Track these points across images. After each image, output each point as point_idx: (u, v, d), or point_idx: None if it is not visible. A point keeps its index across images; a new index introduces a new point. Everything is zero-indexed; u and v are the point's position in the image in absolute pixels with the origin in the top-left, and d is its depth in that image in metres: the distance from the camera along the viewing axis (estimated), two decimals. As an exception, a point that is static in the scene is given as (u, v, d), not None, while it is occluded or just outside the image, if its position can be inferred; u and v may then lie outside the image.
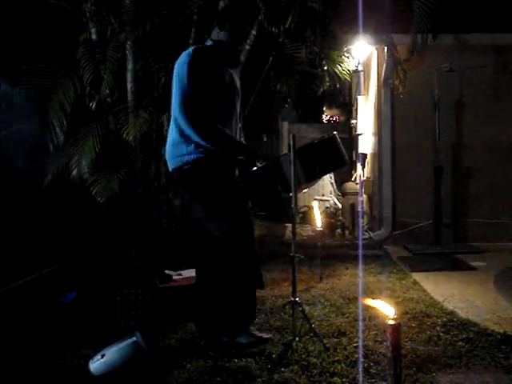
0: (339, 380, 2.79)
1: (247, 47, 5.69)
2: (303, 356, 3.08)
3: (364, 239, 7.28)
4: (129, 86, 5.34)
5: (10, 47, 5.18)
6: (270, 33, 5.79)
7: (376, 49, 7.29)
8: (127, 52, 5.30)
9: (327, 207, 9.13)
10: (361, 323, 3.58)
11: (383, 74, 7.12)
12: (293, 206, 3.30)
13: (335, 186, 9.98)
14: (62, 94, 5.11)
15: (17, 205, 5.07)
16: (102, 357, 2.89)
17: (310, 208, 8.90)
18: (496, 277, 5.03)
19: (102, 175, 5.03)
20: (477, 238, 6.82)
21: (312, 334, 3.32)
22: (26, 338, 3.49)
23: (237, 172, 3.39)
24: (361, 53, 7.51)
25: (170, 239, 5.44)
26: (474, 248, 6.50)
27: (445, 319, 3.72)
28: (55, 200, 5.21)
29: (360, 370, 2.87)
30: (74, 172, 5.04)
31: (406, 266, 5.59)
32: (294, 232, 3.39)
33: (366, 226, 7.84)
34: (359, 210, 7.61)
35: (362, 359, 3.00)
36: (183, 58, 3.16)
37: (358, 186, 8.12)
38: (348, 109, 11.60)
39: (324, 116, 14.75)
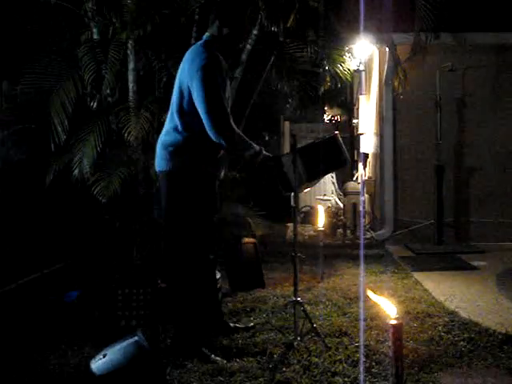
0: (341, 380, 2.78)
1: (249, 47, 5.69)
2: (305, 356, 3.08)
3: (365, 239, 7.27)
4: (130, 85, 5.34)
5: (11, 46, 5.19)
6: (272, 32, 5.78)
7: (377, 48, 7.28)
8: (129, 51, 5.29)
9: (329, 207, 9.12)
10: (362, 323, 3.57)
11: (384, 74, 7.12)
12: (294, 205, 3.31)
13: (337, 186, 9.97)
14: (64, 93, 5.10)
15: (20, 204, 5.08)
16: (104, 356, 2.89)
17: (312, 208, 8.90)
18: (498, 277, 5.03)
19: (104, 175, 5.03)
20: (479, 238, 6.81)
21: (313, 334, 3.31)
22: (28, 337, 3.49)
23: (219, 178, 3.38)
24: (362, 52, 7.51)
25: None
26: (475, 248, 6.50)
27: (446, 319, 3.71)
28: (57, 200, 5.22)
29: (361, 369, 2.87)
30: (76, 172, 5.04)
31: (407, 265, 5.58)
32: (295, 232, 3.39)
33: (367, 226, 7.83)
34: (361, 209, 7.60)
35: (363, 359, 3.00)
36: (199, 56, 3.08)
37: (360, 185, 8.11)
38: (349, 108, 11.60)
39: (326, 116, 14.75)
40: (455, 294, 4.42)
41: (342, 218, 7.85)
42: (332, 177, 9.78)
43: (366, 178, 8.29)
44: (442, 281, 4.92)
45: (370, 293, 2.15)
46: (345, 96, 12.26)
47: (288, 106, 11.29)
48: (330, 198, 9.50)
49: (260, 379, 2.81)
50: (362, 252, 6.39)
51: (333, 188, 9.91)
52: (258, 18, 5.62)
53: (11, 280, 4.46)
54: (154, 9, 5.10)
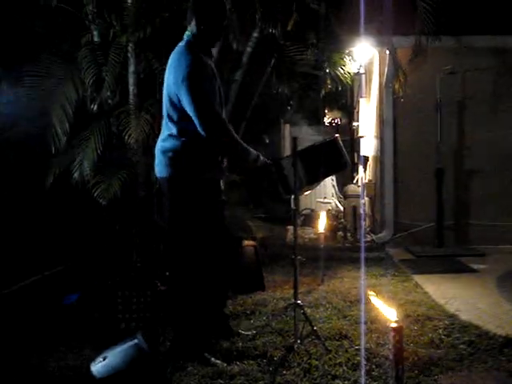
0: (341, 383, 2.78)
1: (249, 49, 5.69)
2: (305, 359, 3.07)
3: (366, 242, 7.27)
4: (130, 88, 5.34)
5: (12, 49, 5.19)
6: (272, 35, 5.79)
7: (378, 51, 7.29)
8: (129, 54, 5.30)
9: (329, 210, 9.11)
10: (363, 326, 3.57)
11: (385, 77, 7.12)
12: (294, 208, 3.30)
13: (337, 189, 9.97)
14: (64, 95, 5.11)
15: (20, 207, 5.08)
16: (104, 359, 2.89)
17: (313, 211, 8.91)
18: (498, 279, 5.03)
19: (104, 177, 5.03)
20: (479, 241, 6.80)
21: (314, 337, 3.31)
22: (28, 339, 3.49)
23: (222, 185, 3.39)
24: (363, 55, 7.51)
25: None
26: (476, 251, 6.49)
27: (447, 322, 3.71)
28: (57, 202, 5.22)
29: (362, 372, 2.87)
30: (76, 174, 5.04)
31: (407, 268, 5.58)
32: (295, 234, 3.39)
33: (367, 229, 7.83)
34: (361, 212, 7.60)
35: (363, 362, 3.00)
36: (183, 62, 3.06)
37: (360, 188, 8.11)
38: (350, 111, 11.60)
39: (326, 118, 14.74)
40: (455, 296, 4.42)
41: (342, 220, 7.85)
42: (332, 179, 9.79)
43: (367, 180, 8.28)
44: (443, 283, 4.92)
45: (372, 296, 2.15)
46: (345, 99, 12.25)
47: (288, 108, 11.30)
48: (331, 201, 9.51)
49: (260, 382, 2.81)
50: (362, 255, 6.39)
51: (333, 191, 9.91)
52: (258, 21, 5.62)
53: (12, 282, 4.46)
54: (155, 12, 5.10)
